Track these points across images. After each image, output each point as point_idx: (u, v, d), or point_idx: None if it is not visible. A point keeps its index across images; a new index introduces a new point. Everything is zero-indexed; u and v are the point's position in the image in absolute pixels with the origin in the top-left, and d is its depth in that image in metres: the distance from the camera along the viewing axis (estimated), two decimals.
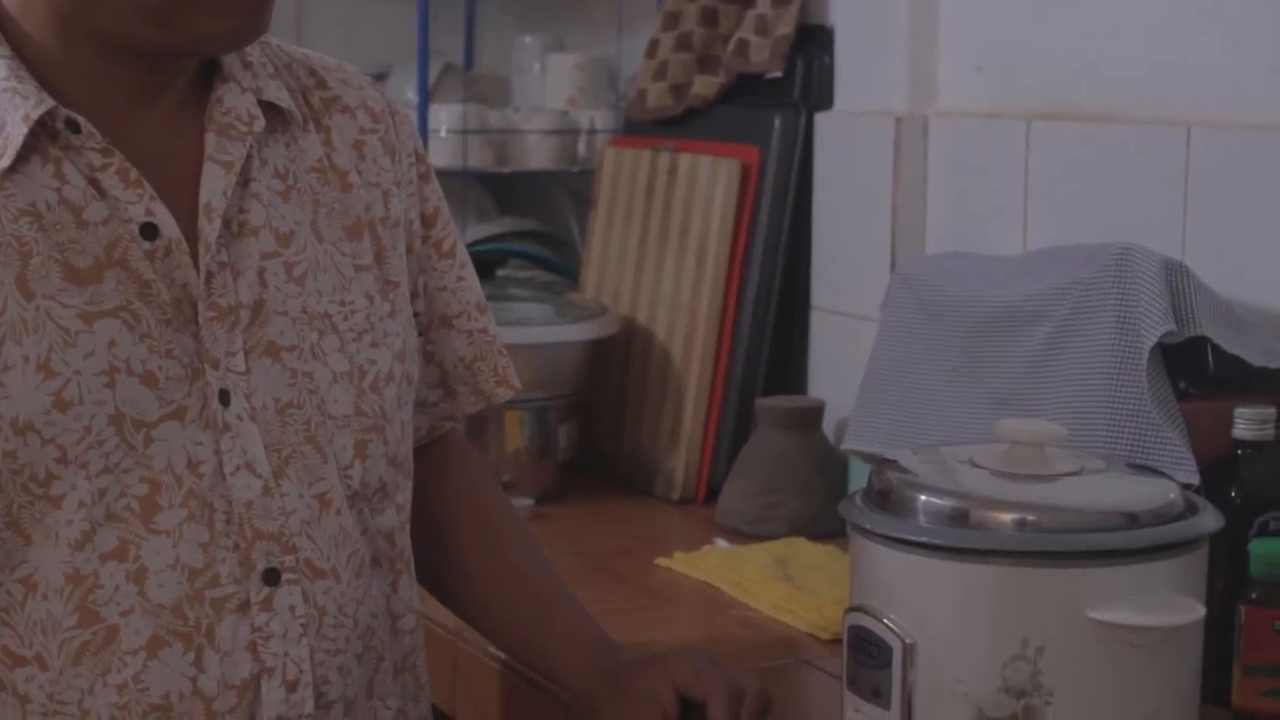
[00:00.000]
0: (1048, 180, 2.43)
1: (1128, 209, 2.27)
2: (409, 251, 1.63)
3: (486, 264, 3.38)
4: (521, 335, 2.68)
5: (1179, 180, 2.21)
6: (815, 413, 2.60)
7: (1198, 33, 2.26)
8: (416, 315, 1.66)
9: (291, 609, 1.45)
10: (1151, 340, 1.91)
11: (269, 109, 1.50)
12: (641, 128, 3.14)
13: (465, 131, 3.33)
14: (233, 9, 1.40)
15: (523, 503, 2.62)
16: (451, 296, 1.70)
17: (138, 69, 1.43)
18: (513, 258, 3.49)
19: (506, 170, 3.40)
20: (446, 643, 2.04)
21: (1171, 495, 1.58)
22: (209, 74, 1.48)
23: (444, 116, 3.35)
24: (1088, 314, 2.00)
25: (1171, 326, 1.91)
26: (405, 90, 3.64)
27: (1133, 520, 1.53)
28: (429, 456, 1.73)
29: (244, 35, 1.42)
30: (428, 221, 1.67)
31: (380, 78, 3.78)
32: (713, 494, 2.69)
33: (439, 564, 1.75)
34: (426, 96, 3.32)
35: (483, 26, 4.05)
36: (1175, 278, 1.95)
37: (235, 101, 1.47)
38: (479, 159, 3.35)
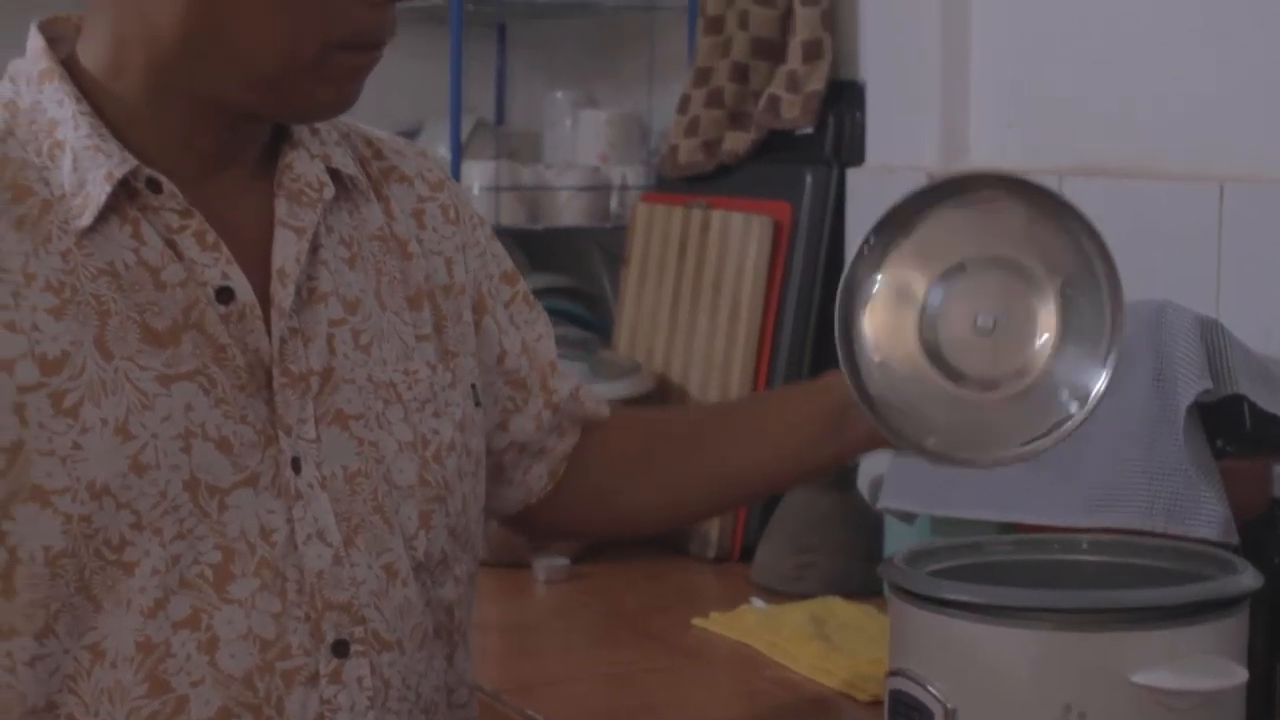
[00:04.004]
0: None
1: (1162, 265, 2.27)
2: (482, 315, 1.62)
3: None
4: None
5: (1213, 236, 2.21)
6: (850, 471, 2.59)
7: (1231, 88, 2.26)
8: (512, 374, 1.65)
9: (359, 681, 1.43)
10: (1188, 398, 1.90)
11: (333, 176, 1.50)
12: (673, 184, 3.14)
13: (498, 188, 3.33)
14: (339, 78, 1.40)
15: (558, 561, 2.61)
16: (550, 341, 1.71)
17: (220, 132, 1.43)
18: (545, 314, 3.48)
19: (539, 227, 3.41)
20: (488, 707, 2.04)
21: (1211, 555, 1.57)
22: (277, 139, 1.49)
23: (476, 173, 3.36)
24: (1123, 372, 1.98)
25: (1208, 385, 1.90)
26: (437, 146, 3.65)
27: (1172, 578, 1.52)
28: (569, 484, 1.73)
29: (343, 104, 1.43)
30: (509, 279, 1.68)
31: (411, 134, 3.80)
32: (748, 552, 2.68)
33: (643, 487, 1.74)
34: (459, 153, 3.33)
35: (514, 82, 4.07)
36: (1211, 335, 1.95)
37: (305, 168, 1.47)
38: (512, 216, 3.35)
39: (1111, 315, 1.47)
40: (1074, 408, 1.47)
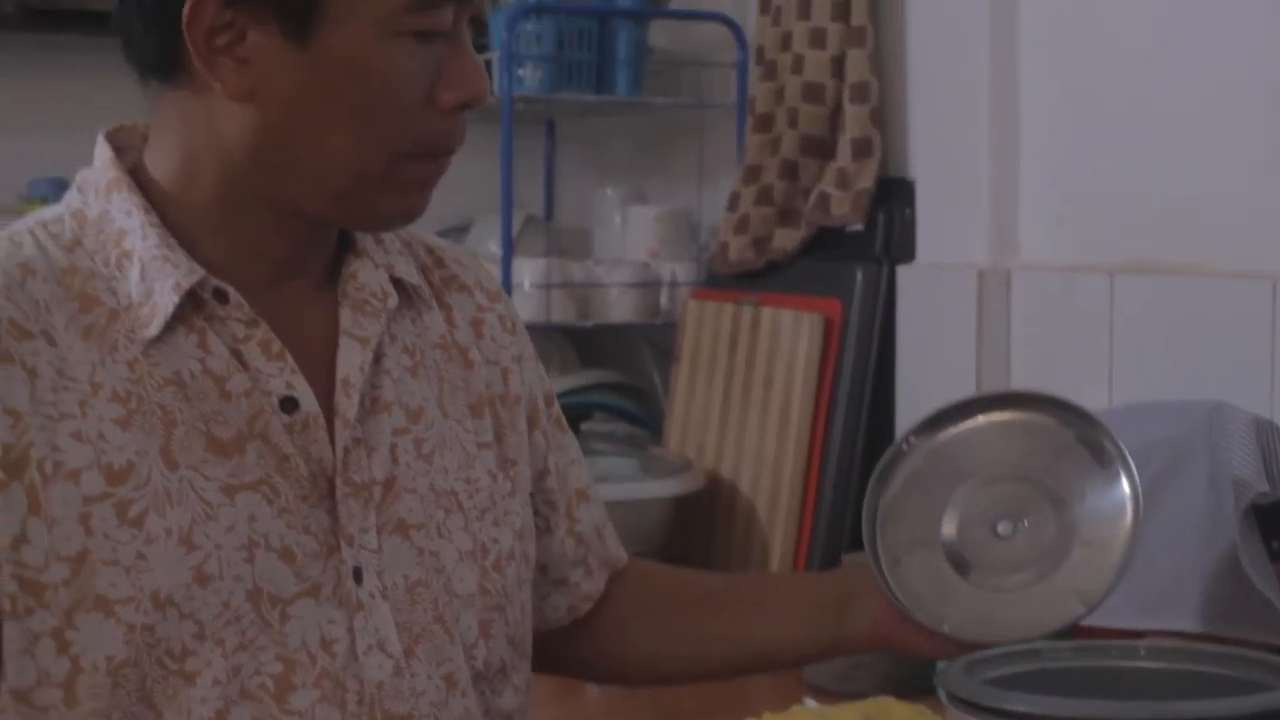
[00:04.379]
0: (1133, 334, 2.42)
1: (1215, 364, 2.27)
2: (533, 428, 1.63)
3: (571, 418, 3.38)
4: (607, 491, 2.64)
5: (1266, 335, 2.21)
6: None
7: None
8: (547, 494, 1.66)
9: None
10: (1244, 501, 1.90)
11: (397, 284, 1.51)
12: (723, 280, 3.16)
13: (548, 285, 3.35)
14: (408, 188, 1.41)
15: None
16: (579, 469, 1.70)
17: (287, 242, 1.44)
18: (596, 410, 3.50)
19: (589, 324, 3.42)
20: None
21: (1270, 662, 1.56)
22: (341, 247, 1.50)
23: (527, 270, 3.37)
24: (1178, 473, 1.99)
25: (1265, 487, 1.90)
26: (488, 243, 3.68)
27: (1231, 687, 1.51)
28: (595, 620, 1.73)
29: (411, 215, 1.44)
30: (547, 399, 1.68)
31: (462, 230, 3.82)
32: None
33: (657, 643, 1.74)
34: (510, 249, 3.35)
35: (563, 177, 4.09)
36: (1266, 436, 1.94)
37: (369, 277, 1.48)
38: (562, 313, 3.37)
39: (1130, 534, 1.51)
40: (1079, 608, 1.53)
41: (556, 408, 1.69)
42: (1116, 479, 1.55)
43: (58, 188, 3.77)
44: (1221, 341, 2.27)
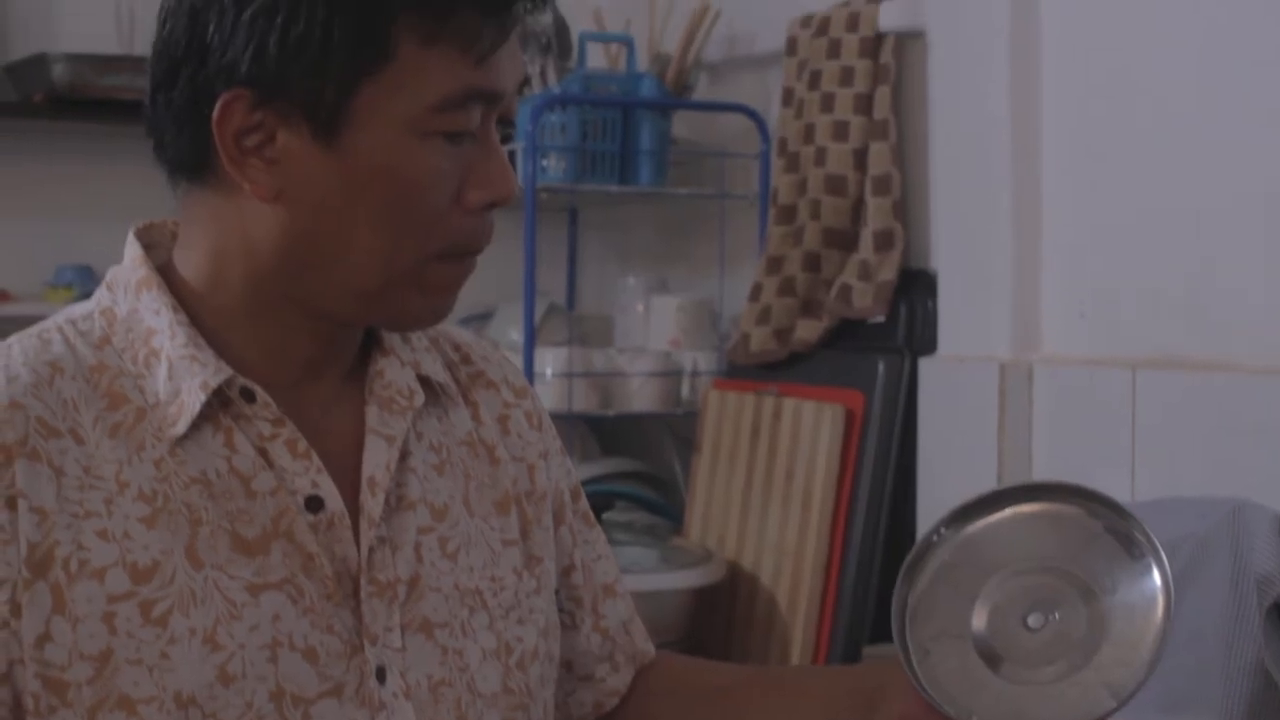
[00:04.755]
0: (1155, 429, 2.42)
1: (1238, 461, 2.26)
2: (559, 524, 1.63)
3: (592, 507, 3.37)
4: (627, 582, 2.66)
5: None
6: None
7: None
8: (573, 589, 1.66)
9: None
10: (1268, 600, 1.89)
11: (423, 382, 1.51)
12: (745, 370, 3.16)
13: (571, 374, 3.36)
14: (441, 288, 1.42)
15: None
16: (607, 563, 1.69)
17: (315, 341, 1.44)
18: (617, 500, 3.49)
19: (611, 413, 3.42)
20: None
21: None
22: (368, 344, 1.50)
23: (549, 359, 3.38)
24: (1201, 571, 1.99)
25: None
26: (509, 331, 3.69)
27: None
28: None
29: (439, 315, 1.44)
30: (574, 494, 1.67)
31: (484, 318, 3.83)
32: None
33: None
34: (533, 337, 3.36)
35: (585, 265, 4.11)
36: None
37: (395, 375, 1.48)
38: (584, 402, 3.38)
39: (1161, 627, 1.51)
40: (1110, 702, 1.52)
41: (584, 502, 1.69)
42: (1148, 571, 1.54)
43: (83, 275, 3.80)
44: (1244, 438, 2.27)
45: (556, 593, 1.62)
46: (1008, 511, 1.60)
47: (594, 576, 1.67)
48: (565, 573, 1.63)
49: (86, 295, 3.76)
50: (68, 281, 3.81)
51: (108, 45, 3.76)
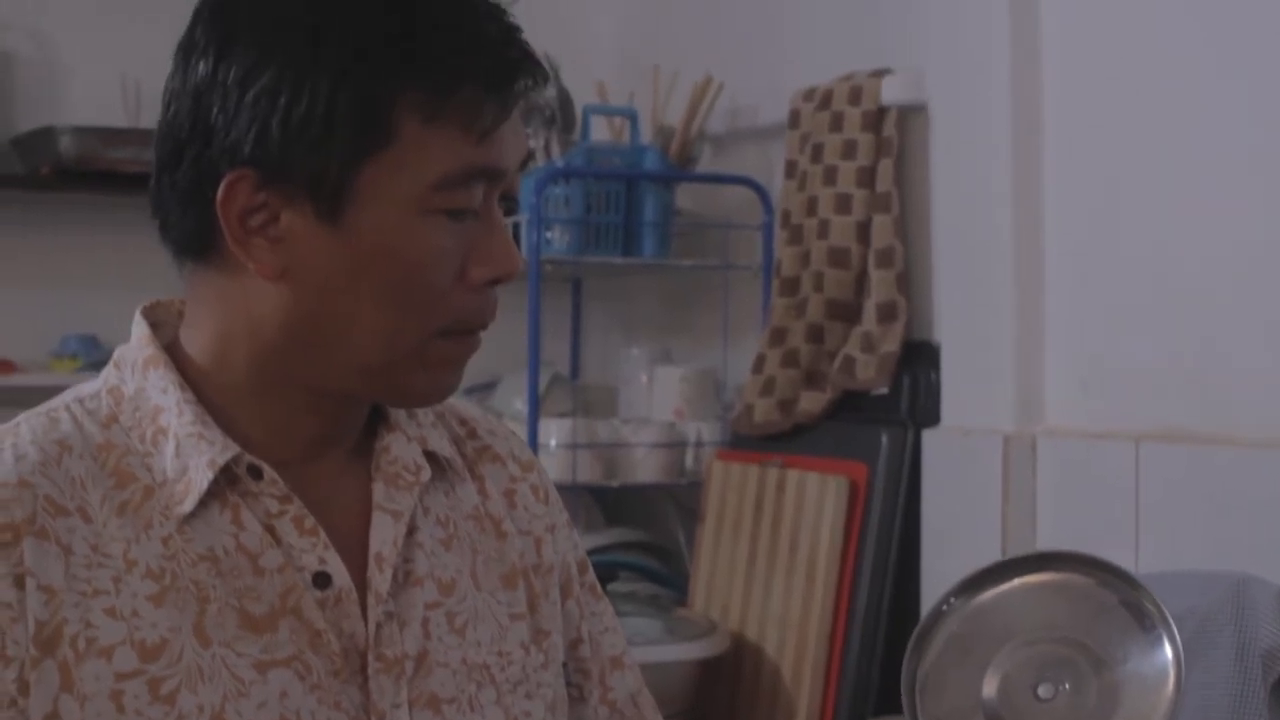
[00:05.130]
0: (1158, 502, 2.43)
1: (1241, 534, 2.27)
2: (566, 597, 1.63)
3: (598, 578, 3.38)
4: (632, 654, 2.67)
5: None
6: None
7: None
8: (580, 662, 1.65)
9: None
10: (1273, 676, 1.89)
11: (430, 457, 1.52)
12: (748, 441, 3.17)
13: (575, 445, 3.36)
14: (446, 364, 1.42)
15: None
16: (614, 636, 1.69)
17: (321, 418, 1.45)
18: (621, 570, 3.49)
19: (615, 484, 3.43)
20: None
21: None
22: (374, 419, 1.51)
23: (553, 430, 3.39)
24: (1205, 646, 1.99)
25: None
26: (513, 401, 3.69)
27: None
28: None
29: (447, 391, 1.45)
30: (581, 566, 1.68)
31: (488, 388, 3.84)
32: None
33: None
34: (537, 408, 3.37)
35: (589, 335, 4.12)
36: None
37: (402, 451, 1.49)
38: (588, 473, 3.38)
39: (1173, 698, 1.51)
40: None
41: (591, 575, 1.69)
42: (1159, 643, 1.54)
43: (88, 344, 3.81)
44: (1247, 512, 2.27)
45: (564, 665, 1.62)
46: (1017, 581, 1.60)
47: (601, 649, 1.67)
48: (572, 646, 1.63)
49: (91, 365, 3.76)
50: (73, 351, 3.82)
51: (114, 118, 3.79)
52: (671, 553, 3.61)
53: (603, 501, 3.67)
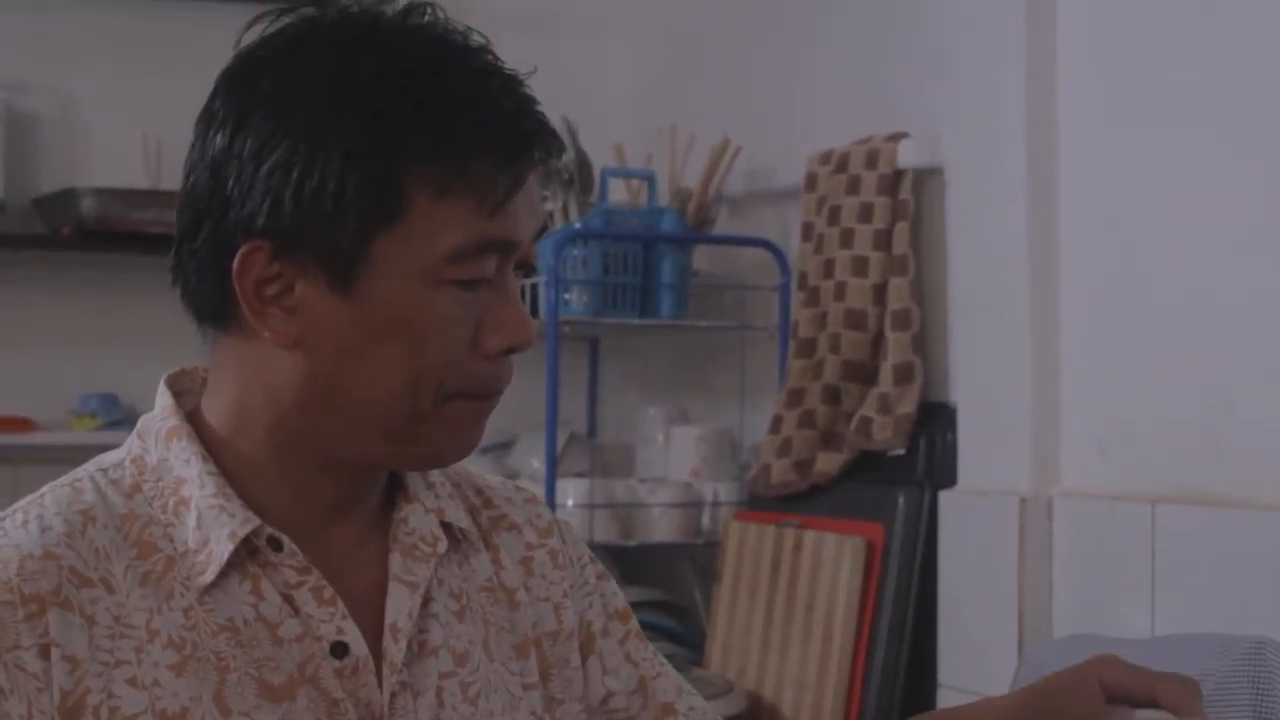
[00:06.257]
0: (1175, 565, 2.43)
1: (1259, 597, 2.27)
2: (587, 656, 1.62)
3: None
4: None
5: None
6: None
7: None
8: (613, 714, 1.64)
9: None
10: None
11: (445, 528, 1.52)
12: (765, 501, 3.17)
13: (592, 505, 3.37)
14: (466, 425, 1.43)
15: None
16: (666, 681, 1.68)
17: (339, 486, 1.46)
18: None
19: (632, 543, 3.44)
20: None
21: None
22: (391, 491, 1.52)
23: (570, 490, 3.40)
24: (1221, 710, 1.99)
25: None
26: (531, 460, 3.71)
27: None
28: None
29: (468, 448, 1.46)
30: (621, 616, 1.67)
31: (505, 447, 3.85)
32: None
33: None
34: (554, 468, 3.38)
35: (606, 394, 4.13)
36: None
37: (419, 522, 1.50)
38: (605, 532, 3.39)
39: None
40: None
41: (634, 623, 1.68)
42: None
43: (108, 403, 3.83)
44: (1263, 574, 2.27)
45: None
46: None
47: (655, 695, 1.63)
48: (604, 701, 1.63)
49: (111, 424, 3.76)
50: (92, 410, 3.84)
51: (135, 179, 3.82)
52: (688, 612, 3.62)
53: (620, 561, 3.67)
